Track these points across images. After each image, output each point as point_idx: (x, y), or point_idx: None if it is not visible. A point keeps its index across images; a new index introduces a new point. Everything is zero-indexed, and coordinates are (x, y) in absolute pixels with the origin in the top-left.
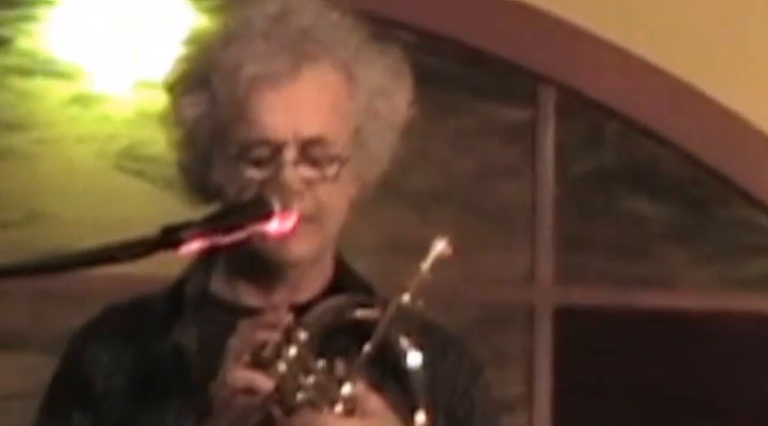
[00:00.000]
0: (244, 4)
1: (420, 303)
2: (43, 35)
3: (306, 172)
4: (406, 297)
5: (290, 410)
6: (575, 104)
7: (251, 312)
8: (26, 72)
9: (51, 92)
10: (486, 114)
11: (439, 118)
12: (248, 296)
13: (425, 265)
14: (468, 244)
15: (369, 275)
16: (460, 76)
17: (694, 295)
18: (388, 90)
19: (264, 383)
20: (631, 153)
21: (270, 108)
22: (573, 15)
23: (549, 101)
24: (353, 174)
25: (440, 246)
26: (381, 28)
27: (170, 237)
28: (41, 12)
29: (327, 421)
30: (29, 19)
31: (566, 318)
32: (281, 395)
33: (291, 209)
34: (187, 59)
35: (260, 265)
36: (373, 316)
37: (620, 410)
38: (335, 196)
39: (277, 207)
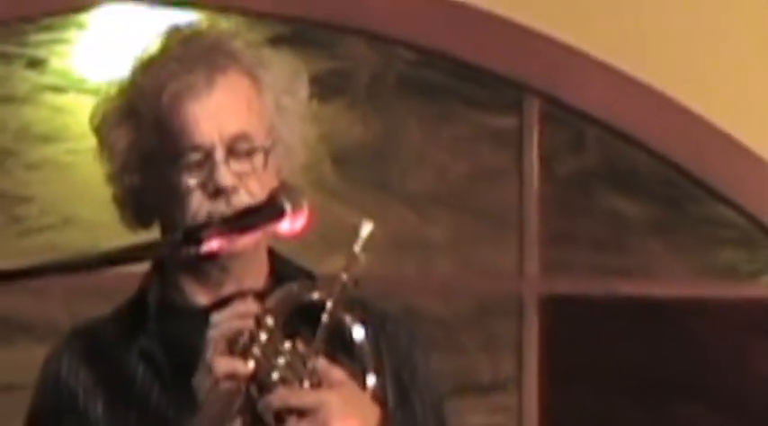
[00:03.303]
0: (160, 34)
1: (357, 282)
2: (75, 56)
3: (237, 166)
4: (344, 276)
5: (267, 389)
6: (557, 113)
7: (203, 311)
8: (59, 89)
9: (82, 107)
10: (477, 122)
11: (434, 126)
12: (198, 296)
13: (357, 247)
14: (462, 240)
15: (375, 268)
16: (454, 88)
17: (670, 284)
18: (290, 87)
19: (243, 367)
20: (610, 156)
21: (194, 117)
22: (556, 32)
23: (533, 110)
24: (275, 167)
25: (366, 229)
26: (383, 45)
27: (191, 237)
28: (73, 35)
29: (300, 394)
30: (62, 41)
31: (551, 307)
32: (259, 377)
33: (302, 210)
34: (110, 98)
35: (206, 263)
36: (321, 298)
37: (603, 391)
38: (265, 188)
39: (288, 208)
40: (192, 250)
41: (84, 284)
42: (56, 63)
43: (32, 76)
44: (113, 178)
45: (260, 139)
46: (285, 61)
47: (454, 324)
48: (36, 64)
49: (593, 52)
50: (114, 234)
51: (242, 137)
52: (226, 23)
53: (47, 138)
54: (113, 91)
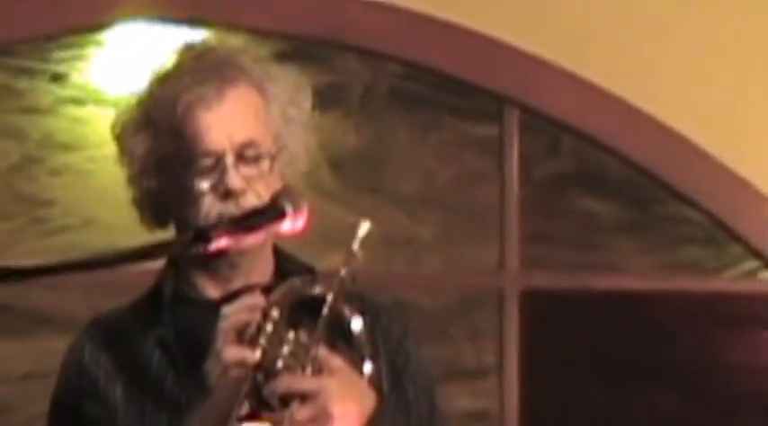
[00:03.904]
0: (174, 50)
1: (355, 277)
2: (93, 71)
3: (245, 171)
4: (343, 272)
5: (272, 375)
6: (535, 122)
7: (214, 303)
8: (79, 102)
9: (100, 118)
10: (461, 131)
11: (422, 134)
12: (210, 290)
13: (355, 245)
14: (448, 238)
15: (368, 264)
16: (439, 100)
17: (638, 278)
18: (294, 99)
19: (251, 356)
20: (583, 161)
21: (207, 125)
22: (534, 48)
23: (513, 119)
24: (280, 171)
25: (364, 229)
26: (375, 61)
27: (201, 236)
28: (92, 51)
29: (302, 380)
30: (81, 58)
31: (530, 300)
32: (265, 365)
33: (302, 211)
34: (129, 108)
35: (217, 259)
36: (322, 292)
37: (577, 376)
38: (271, 191)
39: (289, 209)
40: (202, 248)
41: (103, 280)
42: (76, 77)
43: (55, 90)
44: (133, 182)
45: (266, 146)
46: (290, 75)
47: (441, 316)
48: (58, 78)
49: (568, 66)
50: (129, 234)
51: (250, 143)
52: (234, 40)
53: (68, 147)
54: (132, 102)
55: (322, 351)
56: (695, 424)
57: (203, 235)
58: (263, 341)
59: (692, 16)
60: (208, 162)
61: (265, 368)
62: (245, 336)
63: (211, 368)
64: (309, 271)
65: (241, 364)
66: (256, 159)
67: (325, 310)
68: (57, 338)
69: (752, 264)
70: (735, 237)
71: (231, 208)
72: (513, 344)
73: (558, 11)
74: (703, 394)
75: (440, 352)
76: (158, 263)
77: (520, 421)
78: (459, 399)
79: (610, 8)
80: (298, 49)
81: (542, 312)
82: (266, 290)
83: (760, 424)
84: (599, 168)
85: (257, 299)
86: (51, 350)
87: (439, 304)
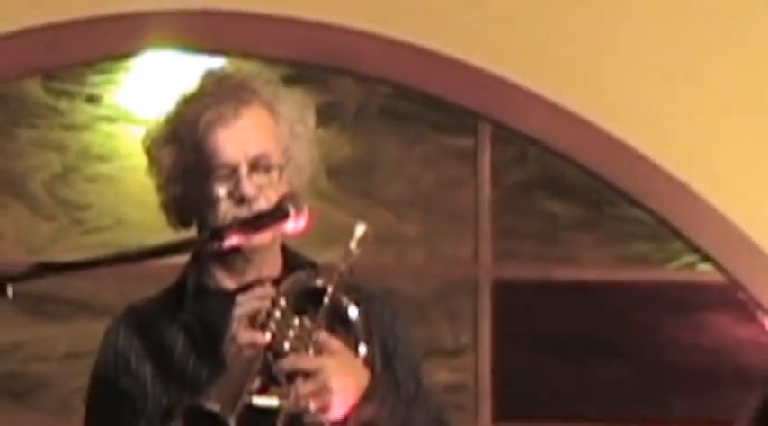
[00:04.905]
0: (198, 75)
1: (352, 270)
2: (124, 93)
3: (257, 179)
4: (342, 266)
5: (280, 356)
6: (504, 135)
7: (230, 293)
8: (111, 119)
9: (129, 133)
10: (441, 143)
11: (408, 146)
12: (226, 281)
13: (353, 243)
14: (430, 235)
15: (360, 257)
16: (423, 116)
17: (593, 269)
18: (301, 117)
19: (262, 338)
20: (546, 169)
21: (224, 140)
22: (503, 72)
23: (486, 133)
24: (288, 180)
25: (360, 230)
26: (367, 83)
27: (217, 235)
28: (122, 76)
29: (306, 360)
30: (113, 81)
31: (501, 288)
32: (274, 346)
33: (303, 213)
34: (158, 125)
35: (233, 255)
36: (323, 284)
37: (541, 354)
38: (278, 197)
39: (292, 212)
40: (217, 245)
41: (134, 272)
42: (109, 98)
43: (90, 109)
44: (161, 188)
45: (276, 158)
46: (296, 96)
47: (423, 302)
48: (93, 99)
49: (533, 88)
50: (156, 233)
51: (262, 156)
52: (248, 67)
53: (102, 158)
54: (161, 120)
55: (323, 335)
56: (643, 394)
57: (218, 234)
58: (272, 326)
59: (645, 47)
60: (225, 172)
61: (274, 350)
62: (256, 322)
63: (228, 350)
64: (312, 266)
65: (253, 346)
66: (267, 169)
67: (326, 300)
68: (93, 322)
69: (691, 258)
70: (676, 234)
71: (245, 212)
72: (486, 326)
73: (527, 41)
74: (650, 368)
75: (422, 333)
76: (182, 258)
77: (492, 393)
78: (439, 374)
79: (572, 38)
80: (301, 74)
81: (511, 298)
82: (275, 282)
83: (698, 392)
84: (559, 175)
85: (267, 290)
86: (89, 333)
87: (422, 291)
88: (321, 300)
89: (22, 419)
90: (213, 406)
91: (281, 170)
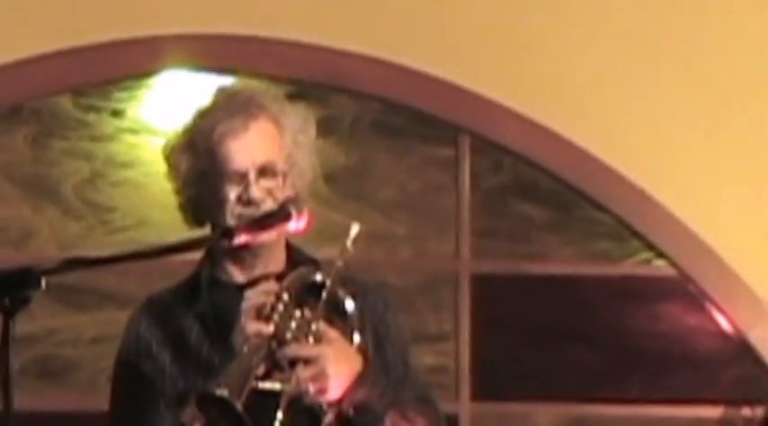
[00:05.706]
0: (212, 91)
1: (348, 267)
2: (145, 108)
3: (264, 184)
4: (339, 263)
5: (283, 344)
6: (482, 146)
7: (240, 287)
8: (134, 131)
9: (150, 143)
10: (426, 153)
11: (397, 155)
12: (237, 275)
13: (348, 242)
14: (416, 234)
15: (354, 253)
16: (410, 129)
17: (562, 265)
18: (303, 129)
19: (266, 329)
20: (520, 176)
21: (235, 150)
22: (481, 90)
23: (466, 144)
24: (291, 184)
25: (355, 230)
26: (361, 99)
27: (226, 234)
28: (143, 93)
29: (306, 348)
30: (135, 98)
31: (479, 281)
32: (277, 336)
33: (304, 214)
34: (177, 135)
35: (243, 251)
36: (322, 279)
37: (516, 339)
38: (282, 199)
39: (294, 213)
40: (227, 242)
41: (154, 267)
42: (131, 113)
43: (115, 122)
44: (178, 191)
45: (281, 165)
46: (299, 110)
47: (410, 293)
48: (117, 113)
49: (509, 104)
50: (175, 231)
51: (268, 163)
52: (256, 84)
53: (126, 165)
54: (179, 131)
55: (321, 325)
56: (608, 375)
57: (229, 233)
58: (276, 317)
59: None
60: (235, 178)
61: (278, 339)
62: (262, 314)
63: (237, 338)
64: (313, 262)
65: (259, 335)
66: (273, 175)
67: (325, 293)
68: (118, 312)
69: (647, 254)
70: (634, 234)
71: (253, 213)
72: (466, 315)
73: (503, 62)
74: (612, 353)
75: (408, 321)
76: (197, 254)
77: (471, 375)
78: (423, 358)
79: (544, 59)
80: (303, 91)
81: (488, 290)
82: (279, 278)
83: (653, 374)
84: (532, 181)
85: (272, 285)
86: (113, 321)
87: (408, 283)
88: (320, 294)
89: (55, 396)
90: (222, 392)
91: (284, 175)
